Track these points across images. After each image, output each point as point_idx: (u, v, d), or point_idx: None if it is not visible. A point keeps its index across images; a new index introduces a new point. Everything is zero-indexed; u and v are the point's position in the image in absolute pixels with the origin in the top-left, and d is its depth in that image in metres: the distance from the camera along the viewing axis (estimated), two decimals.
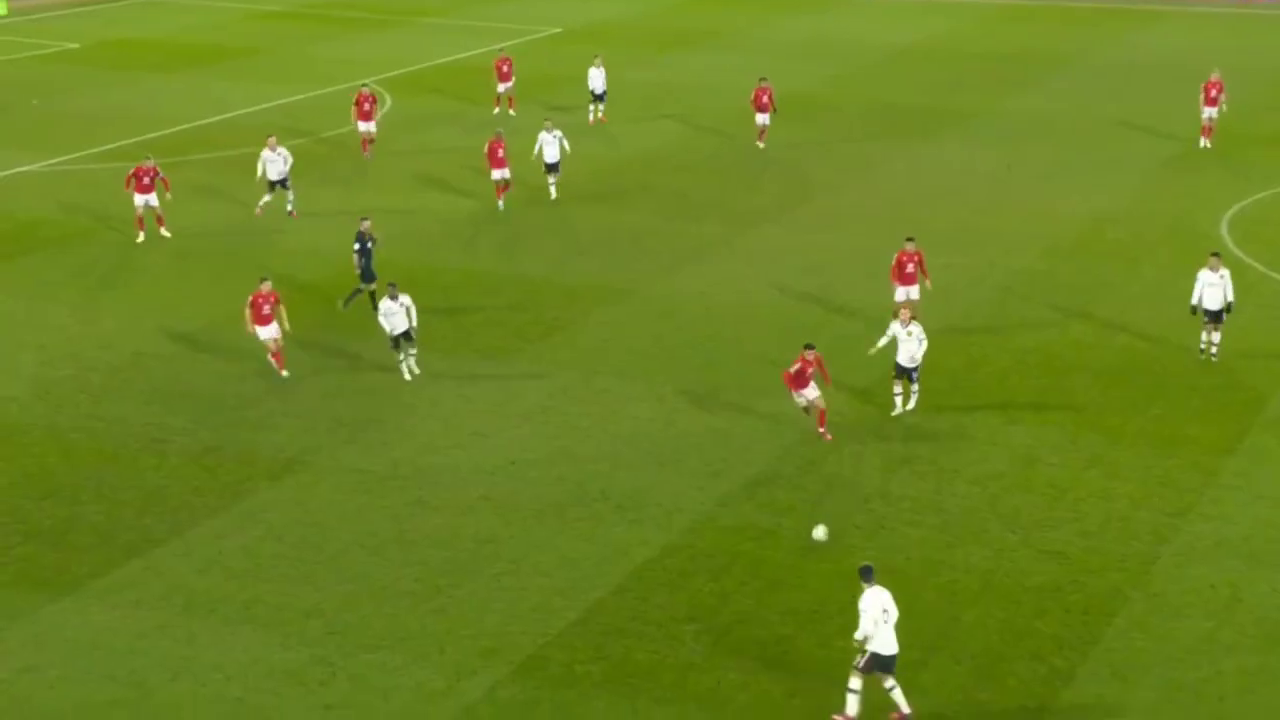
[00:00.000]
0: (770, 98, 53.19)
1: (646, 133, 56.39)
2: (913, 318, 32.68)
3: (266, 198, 45.95)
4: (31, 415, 33.31)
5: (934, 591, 25.94)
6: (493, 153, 47.15)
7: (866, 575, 22.53)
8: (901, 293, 36.69)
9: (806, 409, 31.67)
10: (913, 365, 32.45)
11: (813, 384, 31.38)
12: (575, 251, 43.76)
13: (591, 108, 57.82)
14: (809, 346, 31.24)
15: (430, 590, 26.13)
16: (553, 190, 48.29)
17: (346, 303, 38.68)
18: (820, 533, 26.40)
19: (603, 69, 57.70)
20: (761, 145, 53.46)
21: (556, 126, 48.61)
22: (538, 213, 47.32)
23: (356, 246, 38.50)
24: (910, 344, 32.33)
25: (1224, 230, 45.10)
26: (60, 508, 29.20)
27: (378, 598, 25.93)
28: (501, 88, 58.48)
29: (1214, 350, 35.37)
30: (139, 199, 43.79)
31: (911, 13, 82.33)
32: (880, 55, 70.61)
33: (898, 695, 22.29)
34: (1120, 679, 23.55)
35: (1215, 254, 35.91)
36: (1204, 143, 54.13)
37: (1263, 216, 46.47)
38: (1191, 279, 35.47)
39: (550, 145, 47.94)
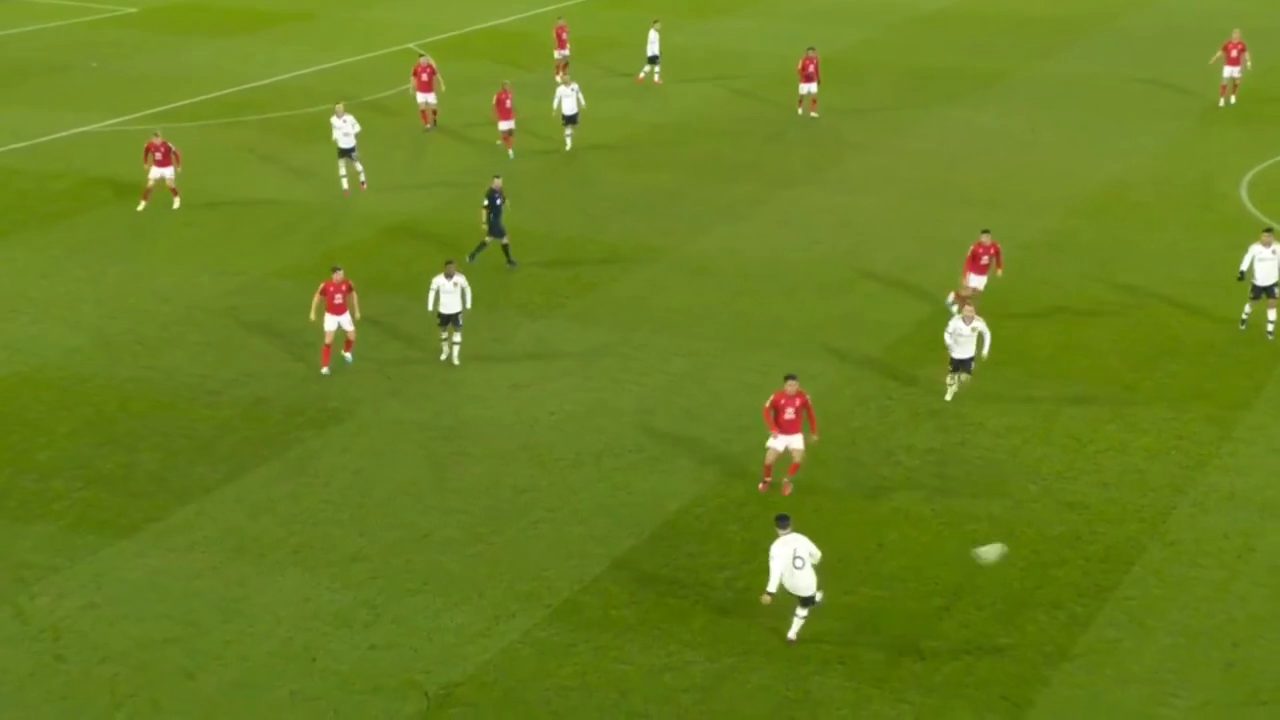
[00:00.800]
0: (816, 67, 52.81)
1: (682, 95, 56.23)
2: (975, 313, 31.13)
3: (342, 172, 44.99)
4: (92, 366, 33.59)
5: (957, 540, 25.97)
6: (500, 104, 47.72)
7: (782, 523, 22.82)
8: (974, 281, 35.29)
9: (781, 456, 27.59)
10: (968, 357, 30.98)
11: (799, 433, 27.39)
12: (613, 210, 43.77)
13: (646, 69, 57.75)
14: (790, 378, 27.61)
15: (471, 537, 26.33)
16: (568, 141, 48.76)
17: (473, 256, 38.72)
18: (989, 553, 24.16)
19: (659, 33, 57.59)
20: (814, 114, 52.69)
21: (575, 80, 49.13)
22: (574, 172, 47.35)
23: (486, 203, 38.58)
24: (969, 341, 30.67)
25: (1243, 191, 44.81)
26: (119, 454, 29.49)
27: (420, 543, 26.14)
28: (559, 54, 57.99)
29: (1269, 328, 34.21)
30: (155, 172, 43.40)
31: None
32: (910, 18, 70.09)
33: (797, 623, 22.89)
34: (1137, 624, 23.61)
35: (1269, 229, 34.79)
36: (1222, 101, 53.86)
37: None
38: (1211, 238, 35.29)
39: (568, 99, 48.39)
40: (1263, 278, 33.96)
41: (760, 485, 27.72)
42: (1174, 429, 30.14)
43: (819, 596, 22.87)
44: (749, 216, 43.23)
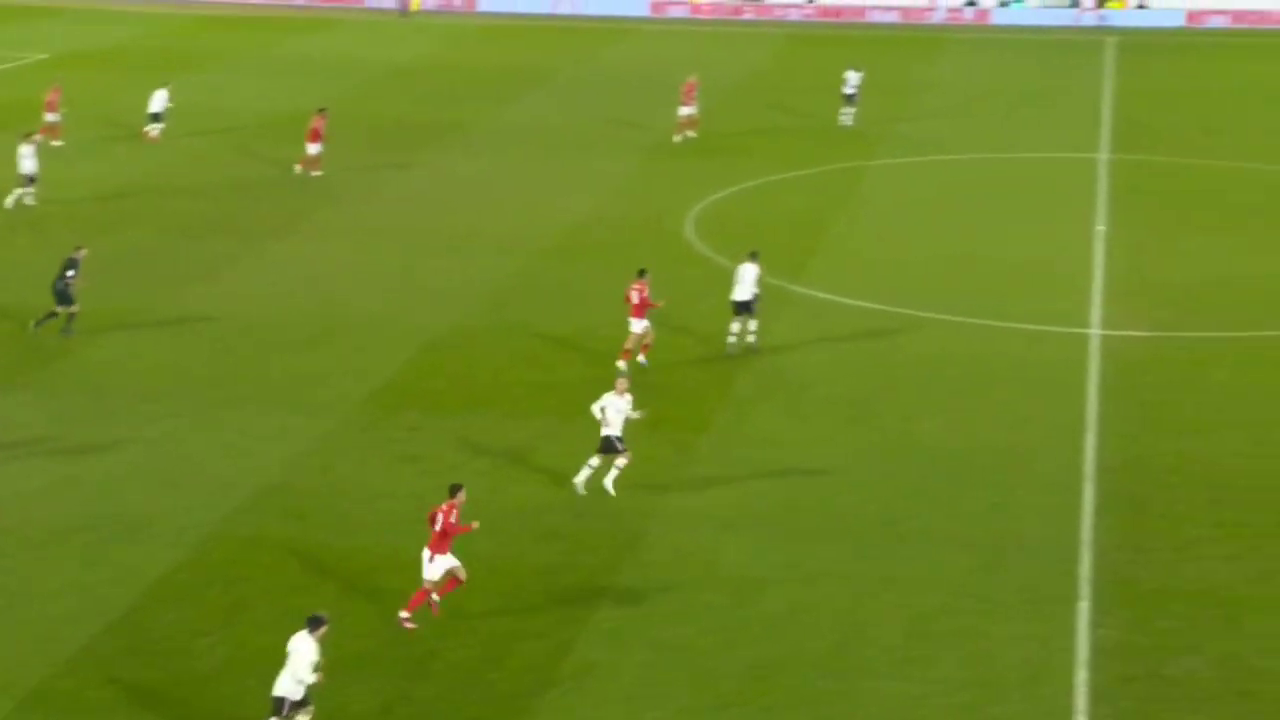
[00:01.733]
0: (323, 128, 51.82)
1: (150, 154, 54.09)
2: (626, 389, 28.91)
3: None
4: None
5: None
6: None
7: (314, 625, 20.77)
8: (635, 326, 34.61)
9: (443, 577, 24.30)
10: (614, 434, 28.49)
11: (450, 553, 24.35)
12: (86, 272, 41.42)
13: (151, 126, 55.74)
14: (458, 488, 24.72)
15: None
16: (29, 199, 46.75)
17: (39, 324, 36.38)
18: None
19: (169, 92, 56.07)
20: (318, 173, 51.38)
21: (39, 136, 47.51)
22: (34, 238, 44.51)
23: (69, 272, 36.31)
24: (620, 418, 28.60)
25: (689, 227, 46.72)
26: None
27: None
28: (50, 117, 54.40)
29: (750, 338, 35.73)
30: None
31: (404, 32, 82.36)
32: (379, 73, 70.12)
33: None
34: (614, 645, 23.87)
35: (752, 252, 36.33)
36: (678, 137, 56.66)
37: (721, 214, 48.40)
38: (663, 273, 36.46)
39: (28, 158, 46.45)
40: (741, 295, 35.66)
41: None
42: (641, 454, 30.74)
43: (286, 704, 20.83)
44: (226, 273, 41.84)
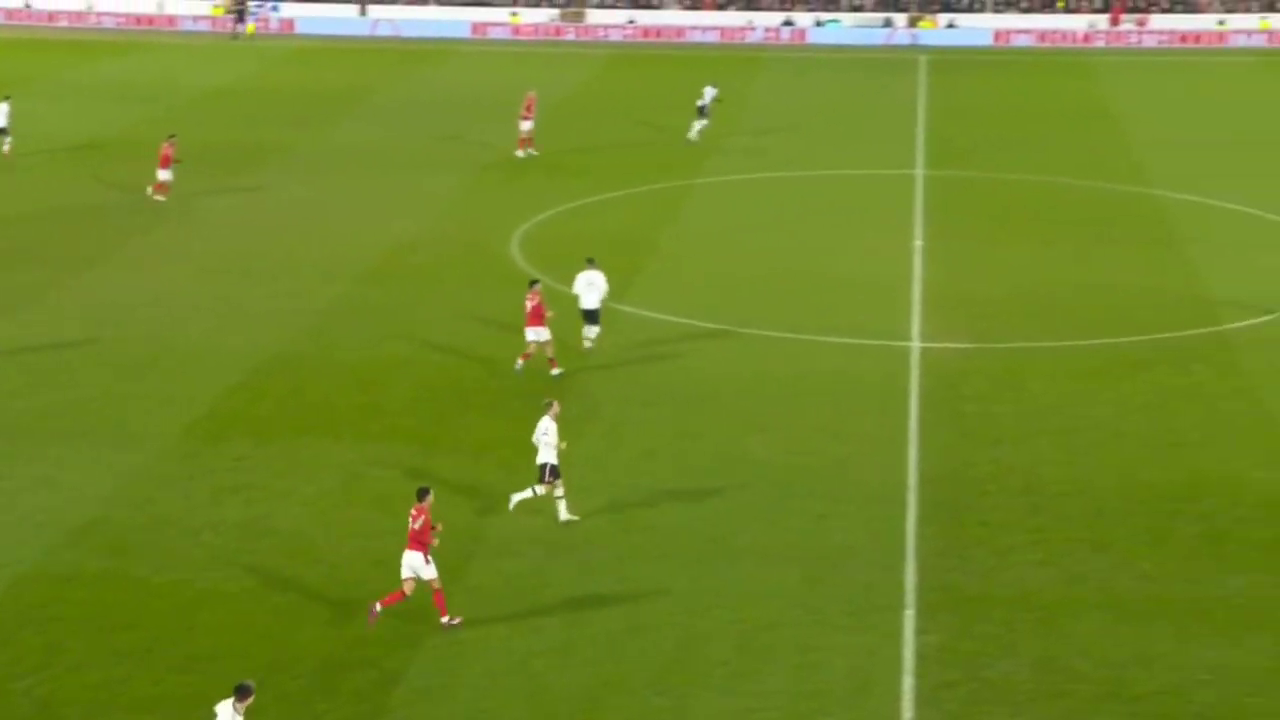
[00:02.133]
0: (173, 153, 50.78)
1: None
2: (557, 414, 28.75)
3: None
4: None
5: (270, 613, 25.24)
6: None
7: (241, 694, 20.13)
8: (531, 334, 35.08)
9: (413, 577, 24.86)
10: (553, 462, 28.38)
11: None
12: None
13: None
14: (425, 492, 25.32)
15: None
16: None
17: None
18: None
19: (8, 104, 55.37)
20: (162, 198, 50.66)
21: None
22: None
23: None
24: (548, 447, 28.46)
25: (514, 248, 46.66)
26: None
27: None
28: None
29: (588, 344, 36.75)
30: None
31: (219, 55, 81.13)
32: (195, 96, 68.92)
33: None
34: (446, 671, 23.68)
35: (590, 259, 37.22)
36: (520, 153, 56.91)
37: (544, 235, 48.45)
38: (489, 294, 36.39)
39: None
40: (588, 302, 36.55)
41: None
42: (470, 478, 30.66)
43: None
44: (37, 303, 40.73)
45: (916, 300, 41.87)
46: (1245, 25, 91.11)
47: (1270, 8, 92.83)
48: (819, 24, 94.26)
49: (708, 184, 55.91)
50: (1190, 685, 23.30)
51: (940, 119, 68.34)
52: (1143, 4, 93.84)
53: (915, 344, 38.30)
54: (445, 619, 24.96)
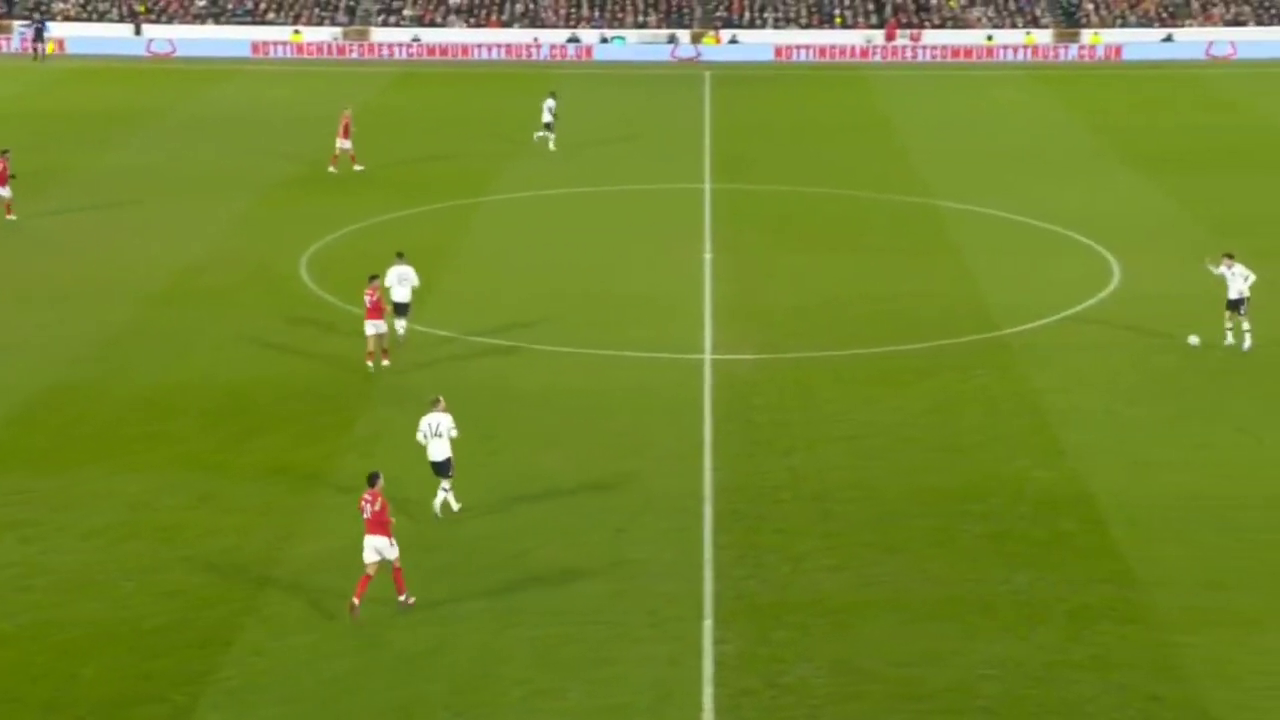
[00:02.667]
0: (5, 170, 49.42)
1: None
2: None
3: None
4: None
5: (51, 652, 24.34)
6: None
7: None
8: (370, 328, 36.37)
9: (377, 561, 25.68)
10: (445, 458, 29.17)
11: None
12: None
13: None
14: (375, 477, 26.08)
15: None
16: None
17: None
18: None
19: None
20: (12, 217, 49.59)
21: None
22: None
23: None
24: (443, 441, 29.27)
25: (303, 270, 45.91)
26: None
27: None
28: None
29: (400, 334, 38.27)
30: None
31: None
32: None
33: None
34: (238, 702, 23.10)
35: (399, 253, 38.63)
36: (333, 169, 56.75)
37: (334, 254, 47.79)
38: (277, 315, 35.74)
39: None
40: (399, 296, 37.90)
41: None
42: (263, 503, 30.01)
43: None
44: None
45: (708, 313, 42.24)
46: (1011, 40, 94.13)
47: (1035, 23, 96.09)
48: (604, 40, 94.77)
49: (498, 201, 55.76)
50: (976, 680, 23.86)
51: (726, 133, 69.18)
52: (916, 20, 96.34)
53: (708, 356, 38.61)
54: (403, 598, 25.66)
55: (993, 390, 36.28)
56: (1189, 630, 25.22)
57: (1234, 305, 38.28)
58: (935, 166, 61.39)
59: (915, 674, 24.01)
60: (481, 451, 32.49)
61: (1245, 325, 38.34)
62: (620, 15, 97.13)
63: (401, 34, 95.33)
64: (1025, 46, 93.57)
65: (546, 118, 63.61)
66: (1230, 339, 38.46)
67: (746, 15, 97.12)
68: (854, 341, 39.76)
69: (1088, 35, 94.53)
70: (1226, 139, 67.04)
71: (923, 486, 30.87)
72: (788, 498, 30.46)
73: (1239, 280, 38.07)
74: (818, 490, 30.78)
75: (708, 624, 25.47)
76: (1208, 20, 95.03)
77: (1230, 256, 38.61)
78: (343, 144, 58.40)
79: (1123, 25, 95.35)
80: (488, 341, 39.42)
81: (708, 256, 47.99)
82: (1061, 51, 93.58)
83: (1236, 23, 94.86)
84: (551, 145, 63.39)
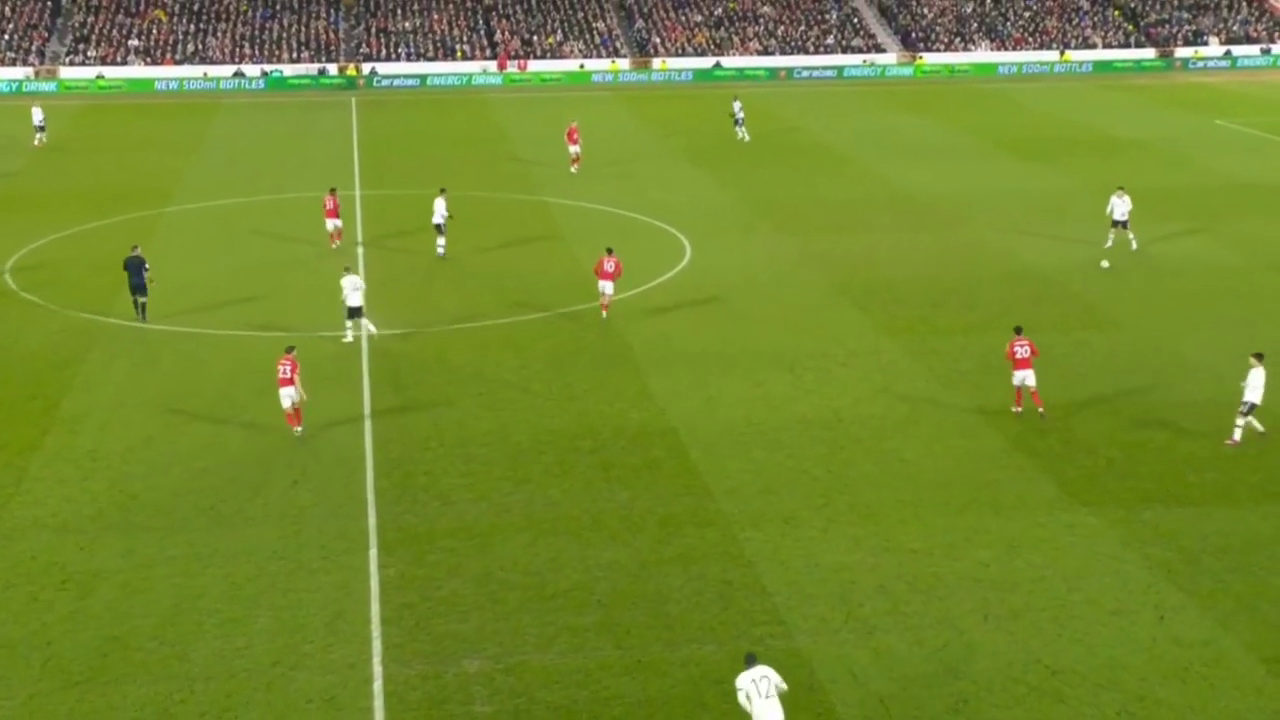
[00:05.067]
0: None
1: None
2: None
3: None
4: None
5: None
6: None
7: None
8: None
9: (293, 405, 29.72)
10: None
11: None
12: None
13: None
14: (291, 349, 29.68)
15: None
16: None
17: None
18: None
19: None
20: None
21: None
22: None
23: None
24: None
25: (8, 277, 42.81)
26: None
27: None
28: None
29: (371, 330, 37.03)
30: None
31: None
32: None
33: None
34: None
35: (346, 266, 37.84)
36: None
37: (39, 262, 44.79)
38: None
39: None
40: (353, 301, 36.47)
41: None
42: None
43: None
44: None
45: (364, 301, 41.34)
46: (599, 67, 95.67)
47: (616, 54, 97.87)
48: (265, 74, 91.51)
49: (177, 212, 53.23)
50: (592, 580, 24.43)
51: (371, 148, 67.90)
52: (522, 53, 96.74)
53: (365, 334, 37.93)
54: (299, 429, 29.70)
55: (597, 348, 36.96)
56: (751, 528, 26.40)
57: (1121, 224, 44.96)
58: (540, 171, 61.81)
59: (544, 579, 24.39)
60: (175, 423, 31.20)
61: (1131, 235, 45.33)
62: (278, 52, 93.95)
63: (87, 71, 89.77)
64: (610, 72, 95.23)
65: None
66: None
67: (384, 51, 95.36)
68: (484, 315, 39.81)
69: (658, 63, 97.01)
70: (769, 141, 69.92)
71: (544, 429, 31.25)
72: (435, 445, 30.37)
73: (1124, 205, 44.75)
74: (459, 438, 30.78)
75: (372, 553, 25.23)
76: (744, 51, 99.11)
77: (1122, 189, 45.69)
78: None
79: (682, 55, 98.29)
80: (183, 330, 37.72)
81: (359, 250, 47.12)
82: (638, 76, 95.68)
83: (766, 53, 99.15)
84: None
